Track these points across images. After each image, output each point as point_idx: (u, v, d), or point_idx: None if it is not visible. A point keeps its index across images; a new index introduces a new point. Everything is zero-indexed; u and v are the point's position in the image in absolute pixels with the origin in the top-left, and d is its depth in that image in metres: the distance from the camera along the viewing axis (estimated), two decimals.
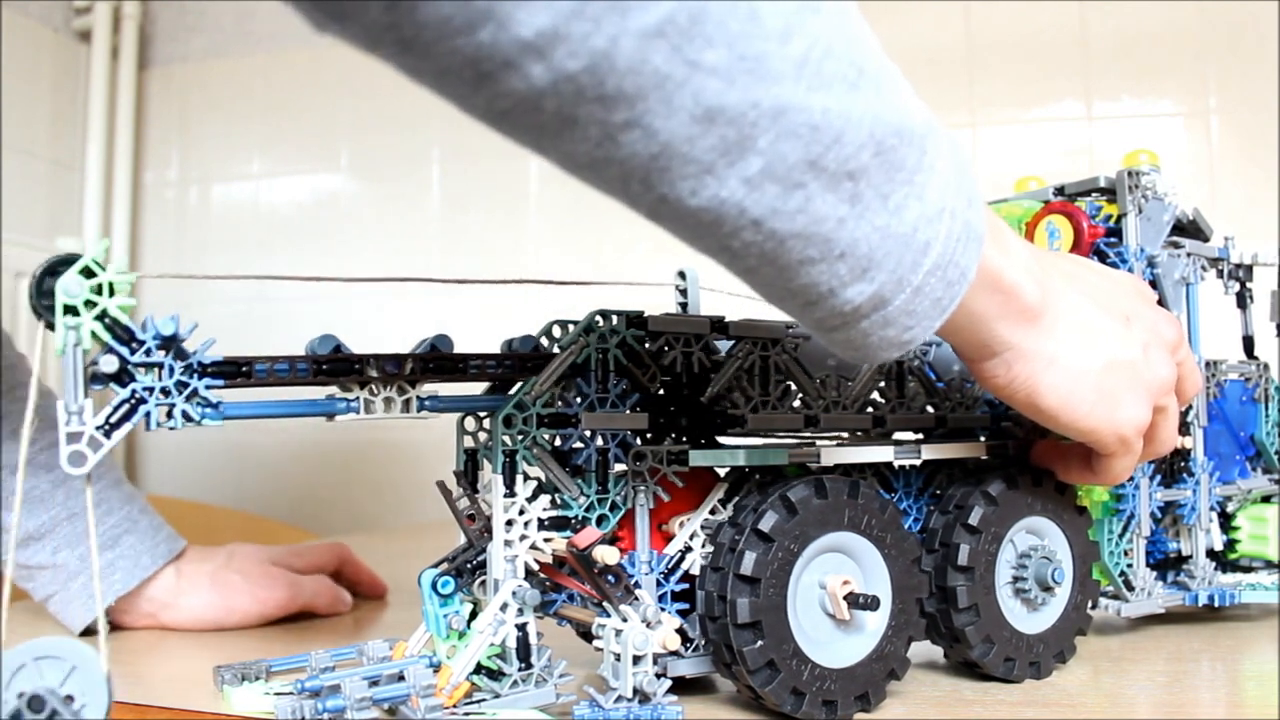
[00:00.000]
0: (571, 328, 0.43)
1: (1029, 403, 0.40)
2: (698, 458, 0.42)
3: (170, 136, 1.63)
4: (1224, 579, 0.57)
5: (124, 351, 0.34)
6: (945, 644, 0.46)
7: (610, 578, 0.38)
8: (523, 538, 0.40)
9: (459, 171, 1.49)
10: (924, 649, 0.47)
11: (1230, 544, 0.58)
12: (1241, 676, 0.48)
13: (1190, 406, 0.55)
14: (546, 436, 0.40)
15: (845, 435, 0.49)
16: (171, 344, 0.35)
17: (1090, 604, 0.48)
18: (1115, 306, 0.42)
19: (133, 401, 0.34)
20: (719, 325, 0.45)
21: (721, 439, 0.45)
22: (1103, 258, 0.53)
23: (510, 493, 0.40)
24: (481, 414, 0.44)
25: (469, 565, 0.42)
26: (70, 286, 0.32)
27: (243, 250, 1.55)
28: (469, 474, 0.44)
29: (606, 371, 0.41)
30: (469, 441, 0.44)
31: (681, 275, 0.49)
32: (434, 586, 0.41)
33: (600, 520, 0.41)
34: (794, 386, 0.46)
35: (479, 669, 0.40)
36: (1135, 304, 0.43)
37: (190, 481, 1.54)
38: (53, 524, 0.59)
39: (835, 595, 0.40)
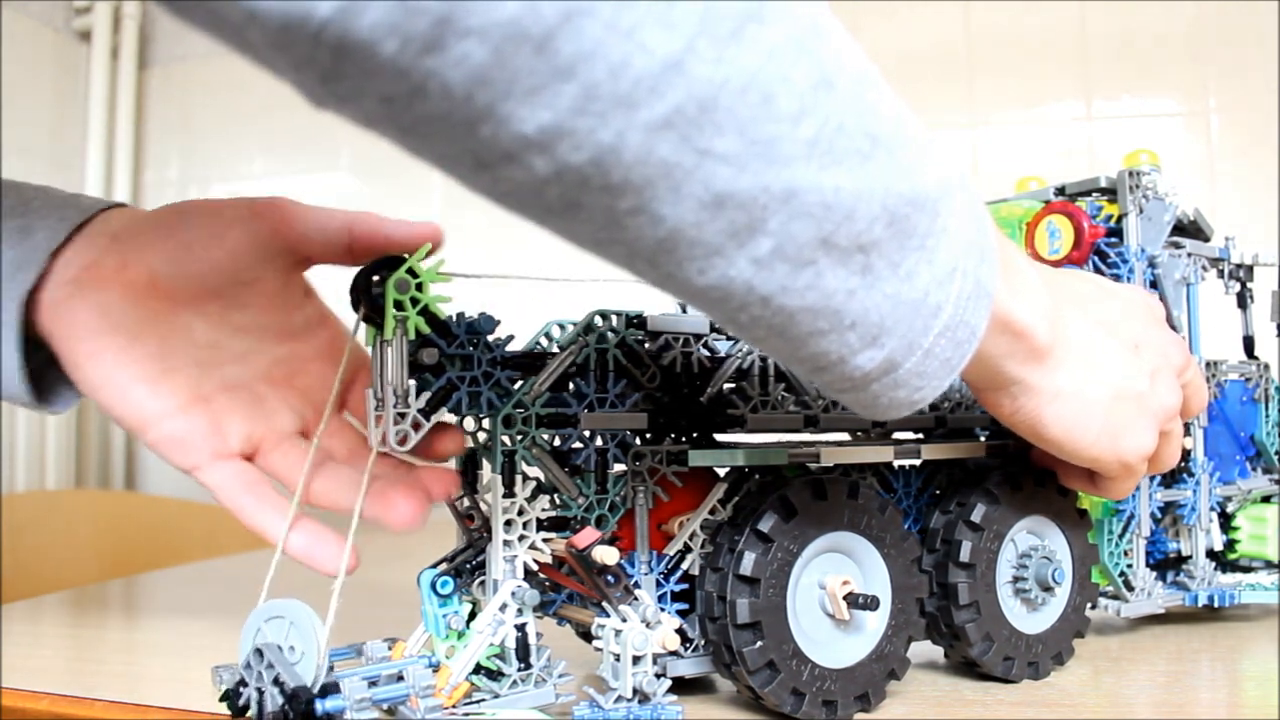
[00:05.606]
0: (571, 328, 0.42)
1: (1033, 433, 0.40)
2: (697, 458, 0.42)
3: (170, 136, 1.63)
4: (1224, 579, 0.57)
5: (441, 344, 0.38)
6: (945, 643, 0.46)
7: (609, 578, 0.38)
8: (522, 538, 0.40)
9: None
10: (924, 649, 0.47)
11: (1230, 544, 0.58)
12: (1241, 677, 0.48)
13: None
14: (546, 436, 0.40)
15: (845, 435, 0.49)
16: (479, 337, 0.38)
17: (1089, 606, 0.48)
18: (1125, 332, 0.42)
19: (446, 388, 0.38)
20: (718, 325, 0.45)
21: (721, 439, 0.45)
22: (1103, 258, 0.53)
23: (509, 493, 0.40)
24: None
25: (468, 565, 0.42)
26: (401, 284, 0.36)
27: None
28: (468, 474, 0.44)
29: (606, 371, 0.41)
30: (468, 441, 0.44)
31: None
32: (433, 587, 0.41)
33: (600, 520, 0.41)
34: (793, 386, 0.46)
35: (478, 669, 0.40)
36: (1145, 328, 0.43)
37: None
38: None
39: (835, 595, 0.40)
